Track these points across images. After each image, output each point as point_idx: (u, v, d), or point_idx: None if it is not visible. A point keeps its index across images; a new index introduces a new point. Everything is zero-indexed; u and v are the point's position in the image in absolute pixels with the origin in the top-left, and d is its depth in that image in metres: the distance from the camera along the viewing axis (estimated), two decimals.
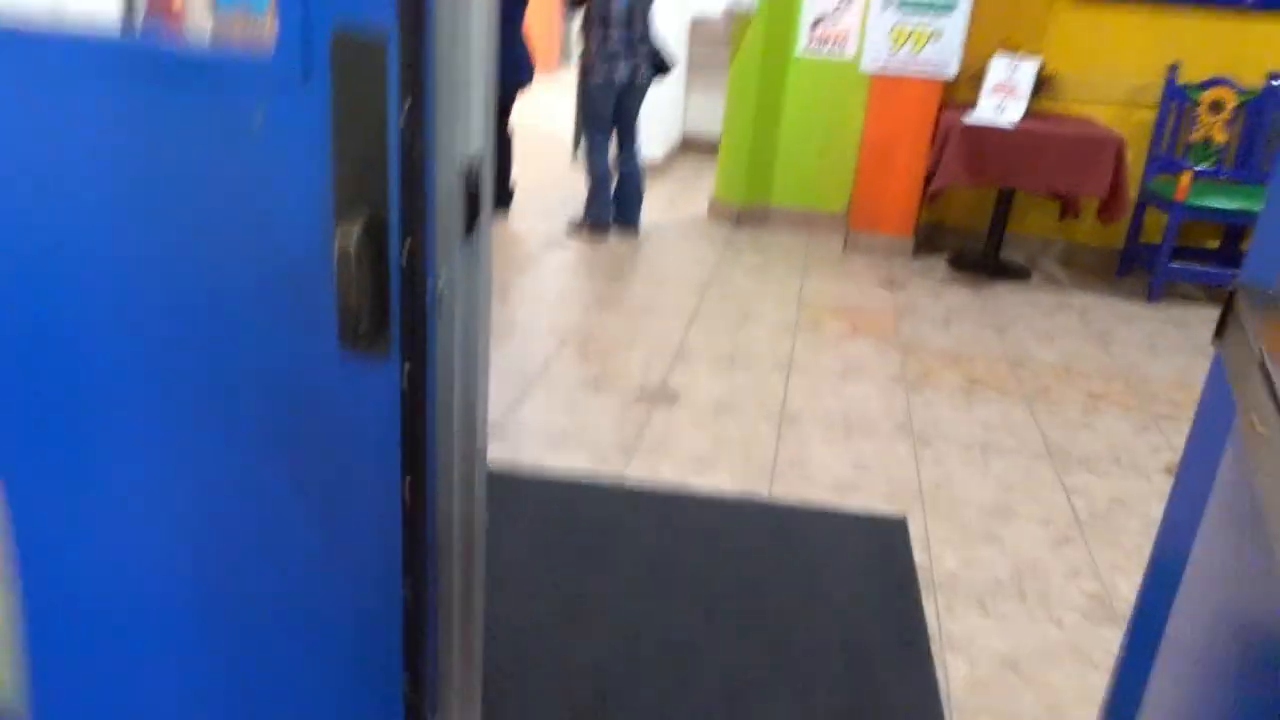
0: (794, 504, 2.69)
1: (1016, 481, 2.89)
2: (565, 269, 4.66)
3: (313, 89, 1.01)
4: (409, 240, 1.02)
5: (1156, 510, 2.76)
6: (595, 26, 4.72)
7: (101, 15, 1.12)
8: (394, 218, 1.02)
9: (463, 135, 1.07)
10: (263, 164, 1.06)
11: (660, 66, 4.86)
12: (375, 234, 1.03)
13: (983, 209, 5.01)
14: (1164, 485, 2.92)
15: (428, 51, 0.97)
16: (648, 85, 4.89)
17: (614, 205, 5.05)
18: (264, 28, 1.07)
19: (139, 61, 1.07)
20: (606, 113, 4.85)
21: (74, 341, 1.19)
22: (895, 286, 4.65)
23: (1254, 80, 4.73)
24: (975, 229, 5.13)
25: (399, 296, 1.05)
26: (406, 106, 0.97)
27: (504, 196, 5.33)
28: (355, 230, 1.00)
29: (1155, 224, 4.95)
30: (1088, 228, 5.08)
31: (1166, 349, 4.10)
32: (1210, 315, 4.57)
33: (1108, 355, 3.98)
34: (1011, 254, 5.10)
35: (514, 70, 4.93)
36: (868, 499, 2.75)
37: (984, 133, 4.48)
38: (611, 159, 4.99)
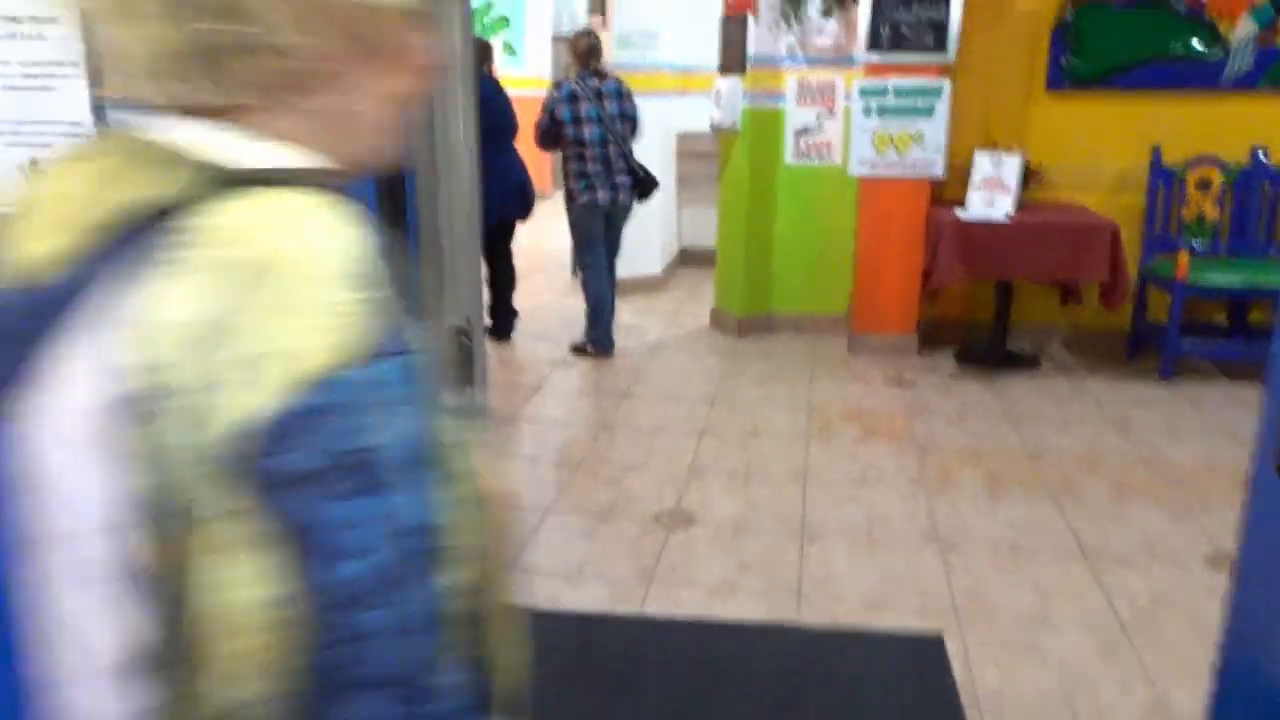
0: (824, 627, 2.58)
1: (1052, 585, 2.78)
2: (571, 391, 4.63)
3: None
4: None
5: (1203, 606, 2.65)
6: (571, 155, 4.83)
7: None
8: None
9: (453, 307, 1.05)
10: None
11: (643, 187, 4.93)
12: None
13: (984, 301, 5.01)
14: (1207, 578, 2.81)
15: (409, 248, 0.96)
16: (630, 206, 4.96)
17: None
18: None
19: None
20: (595, 235, 4.91)
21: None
22: (904, 385, 4.61)
23: (1238, 156, 4.79)
24: (979, 321, 5.12)
25: None
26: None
27: (507, 322, 5.35)
28: None
29: (1160, 303, 4.93)
30: (1092, 311, 5.06)
31: (1187, 431, 4.02)
32: (1225, 391, 4.50)
33: (1128, 441, 3.90)
34: (1018, 343, 5.07)
35: (514, 200, 5.02)
36: (899, 615, 2.64)
37: (978, 228, 4.51)
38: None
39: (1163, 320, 4.80)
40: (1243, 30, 4.70)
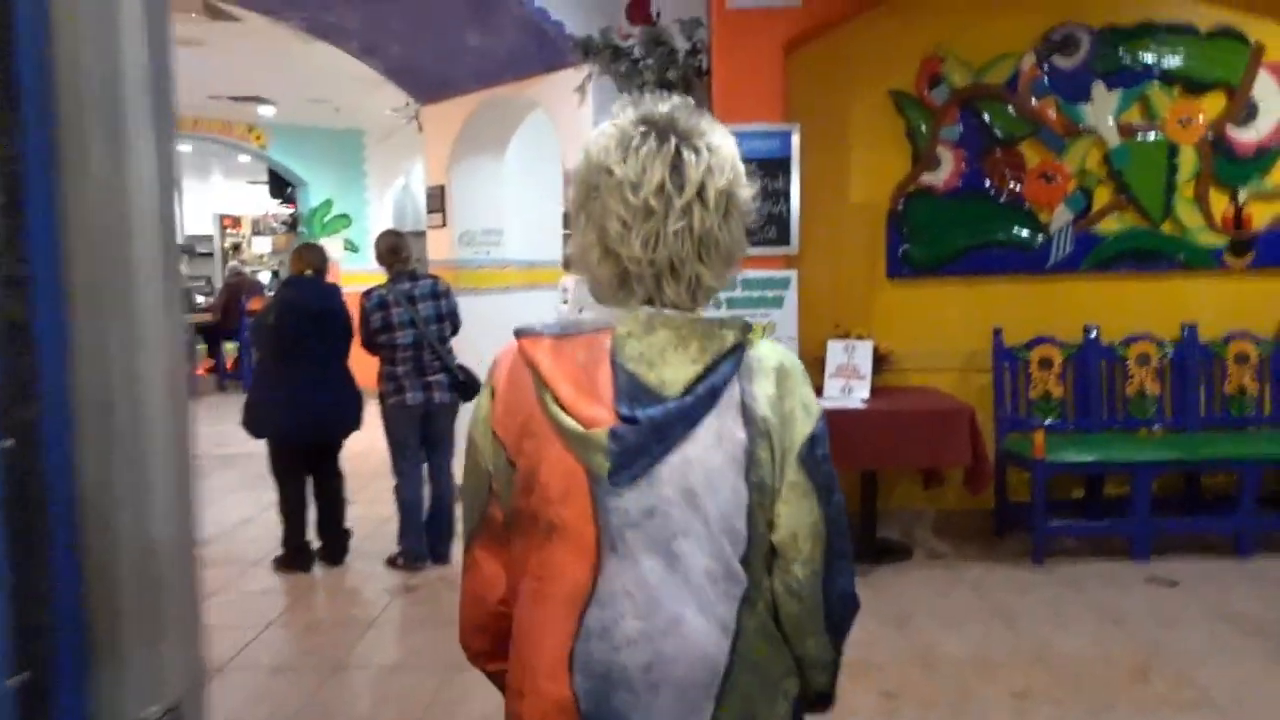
0: None
1: None
2: (413, 623, 4.08)
3: None
4: None
5: None
6: (384, 358, 4.55)
7: None
8: None
9: (150, 680, 0.66)
10: None
11: (464, 389, 4.62)
12: None
13: (849, 490, 4.85)
14: None
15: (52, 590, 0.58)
16: (452, 407, 4.65)
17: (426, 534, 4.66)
18: None
19: None
20: (407, 437, 4.59)
21: None
22: None
23: (1072, 335, 4.94)
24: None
25: None
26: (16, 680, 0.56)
27: (339, 544, 4.79)
28: None
29: (1019, 481, 4.91)
30: (955, 494, 4.98)
31: (1071, 617, 3.86)
32: (1097, 570, 4.42)
33: (1017, 635, 3.68)
34: (886, 530, 4.90)
35: (341, 412, 4.60)
36: None
37: (837, 418, 4.37)
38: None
39: (1025, 498, 4.76)
40: (1060, 218, 4.95)
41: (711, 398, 1.08)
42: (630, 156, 1.11)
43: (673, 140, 1.11)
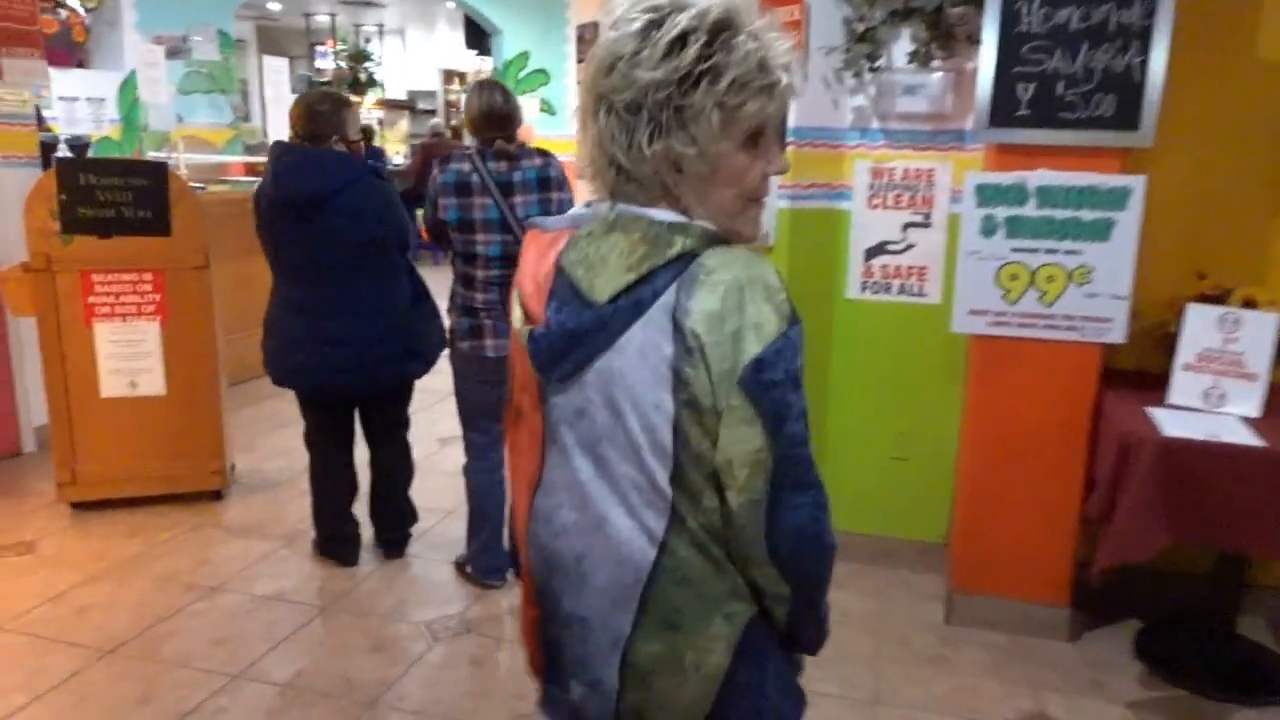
0: None
1: None
2: (447, 703, 2.65)
3: None
4: None
5: None
6: (457, 275, 3.03)
7: None
8: None
9: None
10: None
11: None
12: None
13: (1194, 563, 2.88)
14: None
15: None
16: None
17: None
18: None
19: None
20: (484, 401, 3.01)
21: None
22: None
23: None
24: (1179, 568, 3.00)
25: None
26: None
27: (398, 530, 3.45)
28: None
29: None
30: None
31: None
32: None
33: None
34: (1247, 626, 2.93)
35: (386, 349, 3.15)
36: None
37: (1199, 456, 2.41)
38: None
39: None
40: None
41: (635, 310, 1.03)
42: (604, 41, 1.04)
43: (642, 18, 1.01)
